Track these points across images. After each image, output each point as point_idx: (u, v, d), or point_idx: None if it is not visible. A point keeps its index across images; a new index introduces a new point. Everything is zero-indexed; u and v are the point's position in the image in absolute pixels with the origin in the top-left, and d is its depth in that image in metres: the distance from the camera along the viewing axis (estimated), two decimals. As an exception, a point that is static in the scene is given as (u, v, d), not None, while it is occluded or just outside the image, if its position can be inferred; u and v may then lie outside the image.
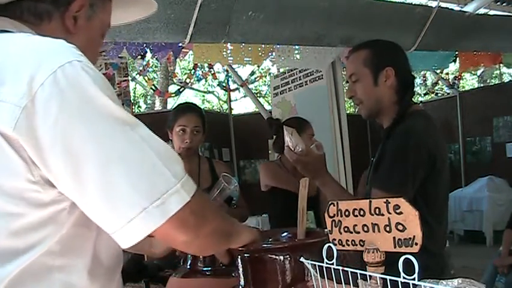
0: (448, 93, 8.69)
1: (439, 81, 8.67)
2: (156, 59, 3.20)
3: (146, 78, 7.24)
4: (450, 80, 8.40)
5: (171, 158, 0.73)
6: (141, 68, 6.82)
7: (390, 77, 1.58)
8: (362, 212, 0.83)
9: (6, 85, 0.66)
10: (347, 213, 0.85)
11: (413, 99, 1.68)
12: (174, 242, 0.74)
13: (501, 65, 4.82)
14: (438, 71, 8.07)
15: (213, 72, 7.78)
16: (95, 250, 0.74)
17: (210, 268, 1.44)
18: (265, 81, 9.75)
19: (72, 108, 0.66)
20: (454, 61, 4.49)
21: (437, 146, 1.53)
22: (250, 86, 8.25)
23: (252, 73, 8.34)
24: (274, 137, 2.75)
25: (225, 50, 3.44)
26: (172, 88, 12.72)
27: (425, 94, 10.04)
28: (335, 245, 0.87)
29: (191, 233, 0.73)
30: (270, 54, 3.65)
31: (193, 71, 7.65)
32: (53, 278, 0.70)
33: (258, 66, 7.97)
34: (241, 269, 1.10)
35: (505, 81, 10.67)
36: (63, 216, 0.70)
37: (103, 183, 0.66)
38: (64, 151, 0.65)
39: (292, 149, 1.59)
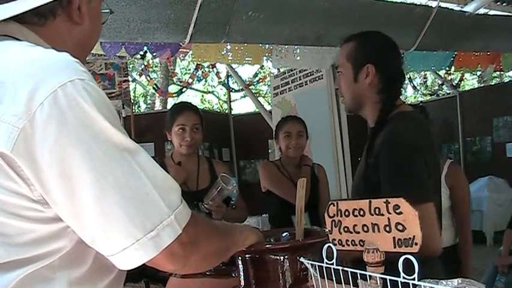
0: (448, 93, 8.68)
1: (444, 85, 8.64)
2: (154, 56, 3.19)
3: (148, 78, 7.24)
4: (453, 81, 8.41)
5: (167, 186, 0.72)
6: (141, 68, 6.83)
7: (370, 75, 1.51)
8: (361, 212, 0.83)
9: (4, 103, 0.64)
10: (346, 213, 0.85)
11: (398, 98, 1.55)
12: (163, 269, 0.73)
13: (500, 67, 4.79)
14: (443, 74, 8.07)
15: (216, 72, 7.79)
16: (96, 259, 0.73)
17: (210, 268, 1.44)
18: (265, 81, 9.76)
19: (71, 131, 0.64)
20: (453, 62, 4.49)
21: (427, 148, 1.42)
22: (251, 86, 8.26)
23: (256, 75, 8.34)
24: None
25: (224, 49, 3.44)
26: (172, 88, 12.73)
27: (425, 94, 10.05)
28: (335, 245, 0.87)
29: (179, 262, 0.73)
30: (268, 54, 3.65)
31: (194, 71, 7.66)
32: (52, 286, 0.70)
33: (262, 67, 7.99)
34: (241, 269, 1.10)
35: (505, 81, 10.65)
36: (67, 233, 0.70)
37: (98, 209, 0.65)
38: (61, 174, 0.64)
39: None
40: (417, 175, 1.37)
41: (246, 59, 3.54)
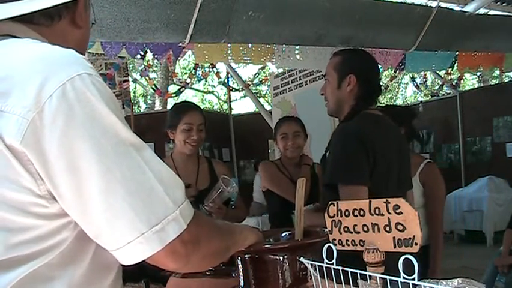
0: (448, 93, 8.68)
1: (444, 85, 8.64)
2: (156, 58, 3.19)
3: (147, 78, 7.23)
4: (453, 81, 8.41)
5: (172, 182, 0.72)
6: (142, 68, 6.83)
7: (351, 84, 1.78)
8: (361, 212, 0.83)
9: (13, 96, 0.65)
10: (346, 213, 0.85)
11: (372, 105, 1.82)
12: (164, 267, 0.73)
13: (502, 69, 4.80)
14: (442, 75, 8.06)
15: (216, 71, 7.79)
16: (95, 257, 0.74)
17: (210, 268, 1.44)
18: (266, 82, 9.78)
19: (79, 125, 0.65)
20: (454, 62, 4.49)
21: (373, 142, 1.64)
22: (251, 87, 8.26)
23: (256, 75, 8.34)
24: None
25: (225, 49, 3.44)
26: (172, 88, 12.74)
27: (426, 94, 10.04)
28: (335, 245, 0.87)
29: (181, 261, 0.73)
30: (272, 55, 3.64)
31: (193, 70, 7.66)
32: (53, 286, 0.70)
33: (263, 68, 7.99)
34: (241, 270, 1.10)
35: (505, 81, 10.64)
36: (67, 230, 0.70)
37: (104, 203, 0.66)
38: (68, 167, 0.64)
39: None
40: (352, 159, 1.62)
41: (247, 59, 3.54)
